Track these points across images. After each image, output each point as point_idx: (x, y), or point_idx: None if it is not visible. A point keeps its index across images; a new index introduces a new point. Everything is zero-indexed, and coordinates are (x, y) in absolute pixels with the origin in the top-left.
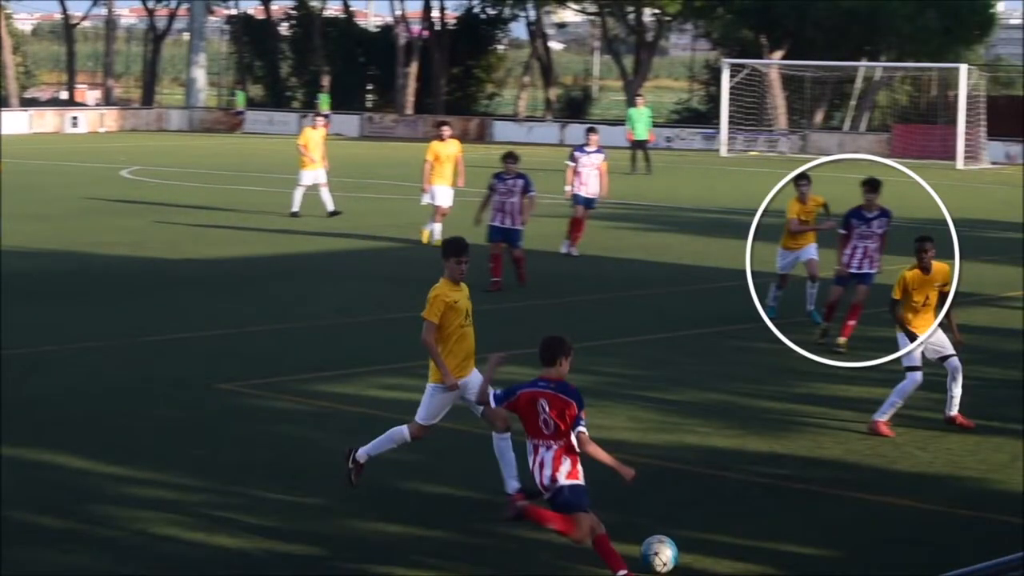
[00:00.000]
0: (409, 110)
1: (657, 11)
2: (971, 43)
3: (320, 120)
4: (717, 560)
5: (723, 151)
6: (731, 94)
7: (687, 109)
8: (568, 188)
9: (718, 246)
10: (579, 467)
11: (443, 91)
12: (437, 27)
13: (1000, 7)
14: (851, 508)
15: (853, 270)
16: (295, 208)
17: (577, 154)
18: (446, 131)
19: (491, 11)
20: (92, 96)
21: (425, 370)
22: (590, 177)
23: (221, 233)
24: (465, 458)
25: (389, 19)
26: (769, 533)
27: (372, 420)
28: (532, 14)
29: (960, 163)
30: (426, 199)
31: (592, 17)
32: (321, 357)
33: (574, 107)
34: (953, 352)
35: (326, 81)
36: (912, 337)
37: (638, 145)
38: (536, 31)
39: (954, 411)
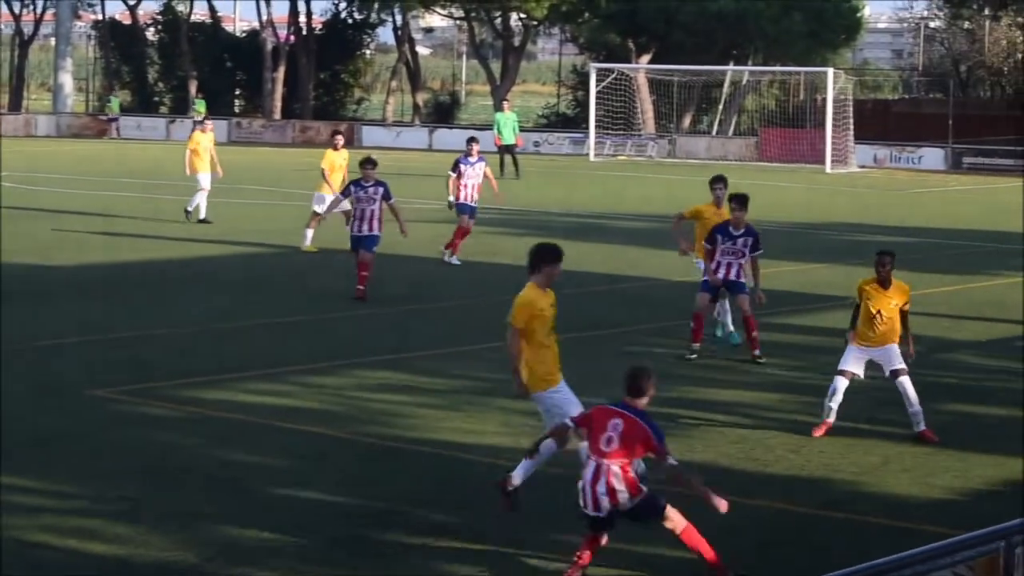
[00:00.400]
0: (277, 115)
1: (524, 16)
2: (838, 47)
3: (208, 124)
4: (596, 568)
5: (591, 156)
6: (599, 98)
7: (555, 114)
8: (451, 199)
9: (587, 250)
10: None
11: (311, 96)
12: (304, 32)
13: (866, 11)
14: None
15: (727, 278)
16: (195, 211)
17: (462, 166)
18: (339, 140)
19: (358, 16)
20: None
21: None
22: (475, 187)
23: (91, 238)
24: (340, 464)
25: (256, 24)
26: (643, 537)
27: (243, 425)
28: (399, 19)
29: (828, 167)
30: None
31: (459, 22)
32: (192, 363)
33: (442, 112)
34: (902, 367)
35: (192, 86)
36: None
37: (506, 149)
38: (403, 36)
39: (922, 427)
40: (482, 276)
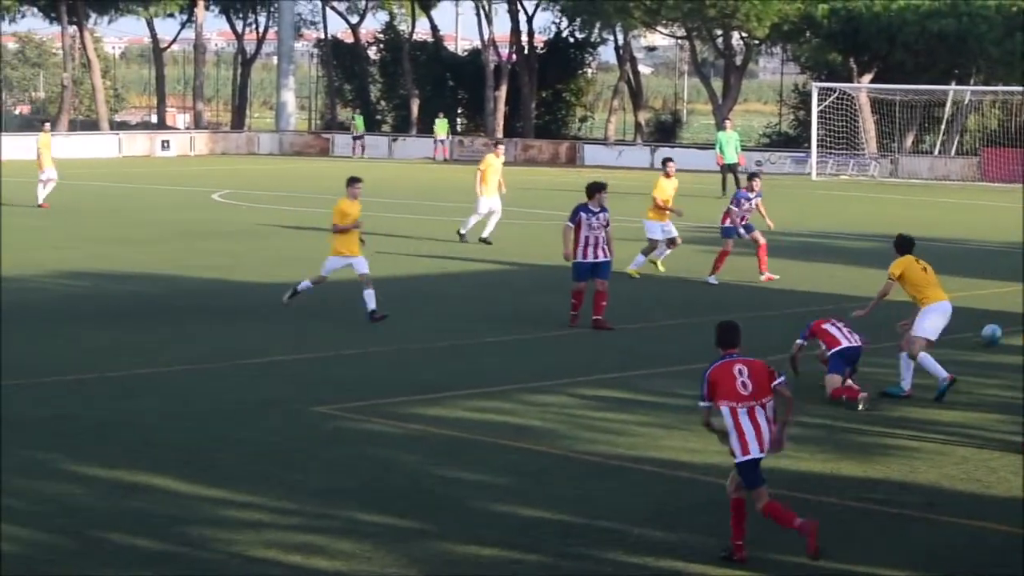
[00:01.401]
0: (499, 134)
1: (745, 35)
2: None
3: (500, 148)
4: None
5: (814, 175)
6: (820, 118)
7: (777, 133)
8: (740, 230)
9: (809, 270)
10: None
11: (532, 115)
12: (526, 51)
13: None
14: (945, 533)
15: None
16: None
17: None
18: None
19: (579, 35)
20: (182, 119)
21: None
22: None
23: (313, 256)
24: (561, 482)
25: (477, 43)
26: (862, 557)
27: (464, 442)
28: (620, 38)
29: None
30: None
31: (680, 41)
32: (415, 380)
33: (664, 131)
34: None
35: (415, 105)
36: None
37: (728, 168)
38: (624, 55)
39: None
40: (699, 294)
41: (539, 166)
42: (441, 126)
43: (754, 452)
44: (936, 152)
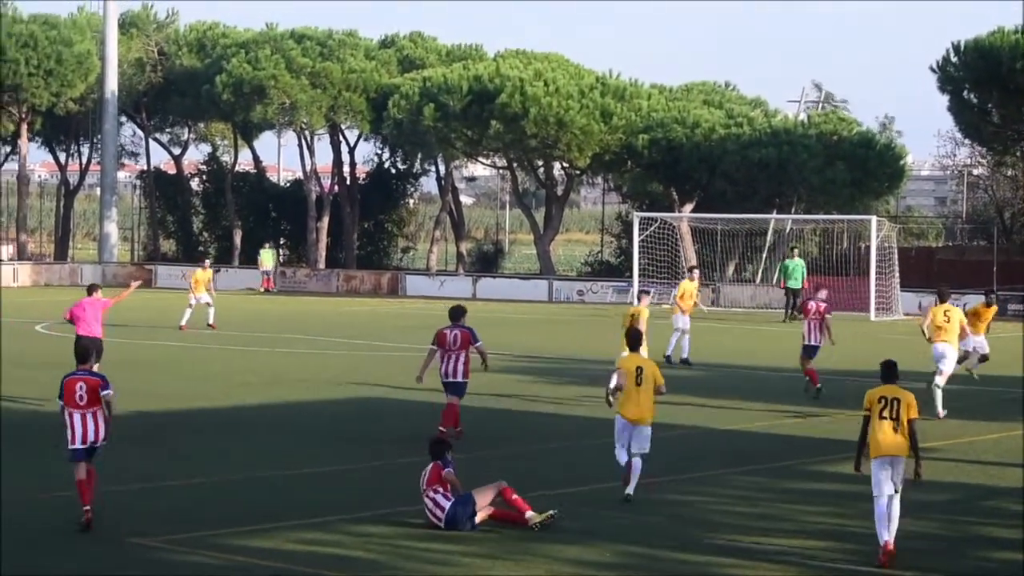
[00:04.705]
0: (321, 264)
1: (567, 164)
2: (881, 195)
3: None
4: None
5: (635, 304)
6: (642, 247)
7: (599, 262)
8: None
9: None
10: None
11: (355, 245)
12: (348, 181)
13: (909, 159)
14: None
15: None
16: None
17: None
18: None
19: (401, 165)
20: (5, 251)
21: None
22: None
23: (138, 387)
24: None
25: (299, 174)
26: None
27: (286, 575)
28: (442, 168)
29: (873, 315)
30: None
31: (502, 171)
32: (237, 511)
33: (486, 261)
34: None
35: (237, 236)
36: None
37: (794, 294)
38: (446, 185)
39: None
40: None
41: (361, 296)
42: (267, 256)
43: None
44: (758, 280)
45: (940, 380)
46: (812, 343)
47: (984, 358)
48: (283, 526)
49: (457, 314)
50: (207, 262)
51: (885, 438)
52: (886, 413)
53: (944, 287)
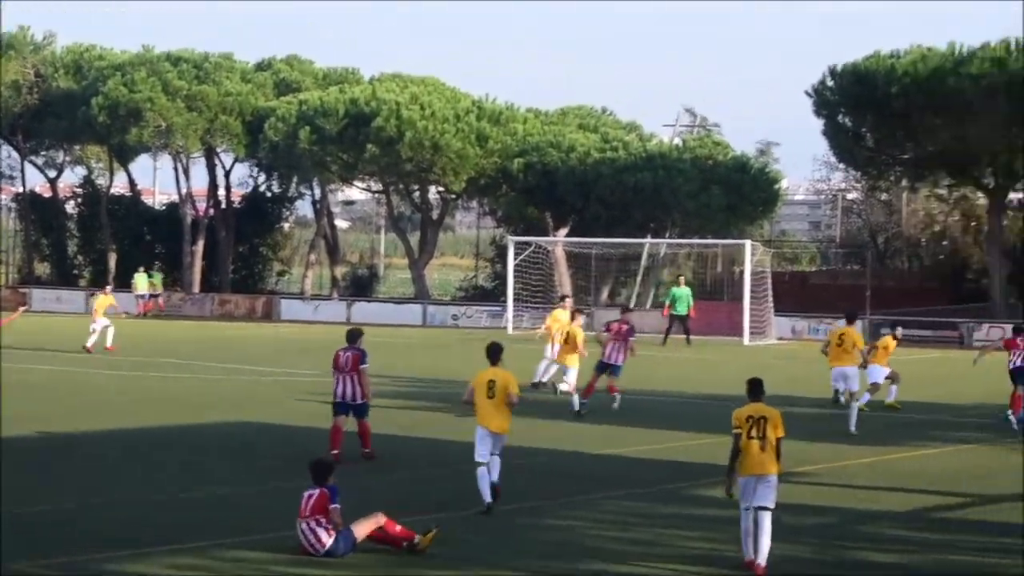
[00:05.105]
0: (196, 288)
1: (442, 189)
2: (755, 219)
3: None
4: None
5: (509, 329)
6: (517, 271)
7: (473, 287)
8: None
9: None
10: None
11: (230, 269)
12: (223, 205)
13: (784, 183)
14: None
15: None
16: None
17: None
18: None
19: (276, 189)
20: None
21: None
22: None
23: (11, 411)
24: None
25: (175, 197)
26: None
27: None
28: (317, 192)
29: (747, 339)
30: None
31: (377, 195)
32: (112, 536)
33: (360, 285)
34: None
35: (112, 259)
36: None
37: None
38: (322, 209)
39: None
40: (410, 446)
41: (236, 320)
42: (140, 280)
43: None
44: (632, 305)
45: (859, 400)
46: (609, 361)
47: (875, 386)
48: (158, 551)
49: (353, 336)
50: (108, 288)
51: (752, 459)
52: (754, 432)
53: (853, 309)
